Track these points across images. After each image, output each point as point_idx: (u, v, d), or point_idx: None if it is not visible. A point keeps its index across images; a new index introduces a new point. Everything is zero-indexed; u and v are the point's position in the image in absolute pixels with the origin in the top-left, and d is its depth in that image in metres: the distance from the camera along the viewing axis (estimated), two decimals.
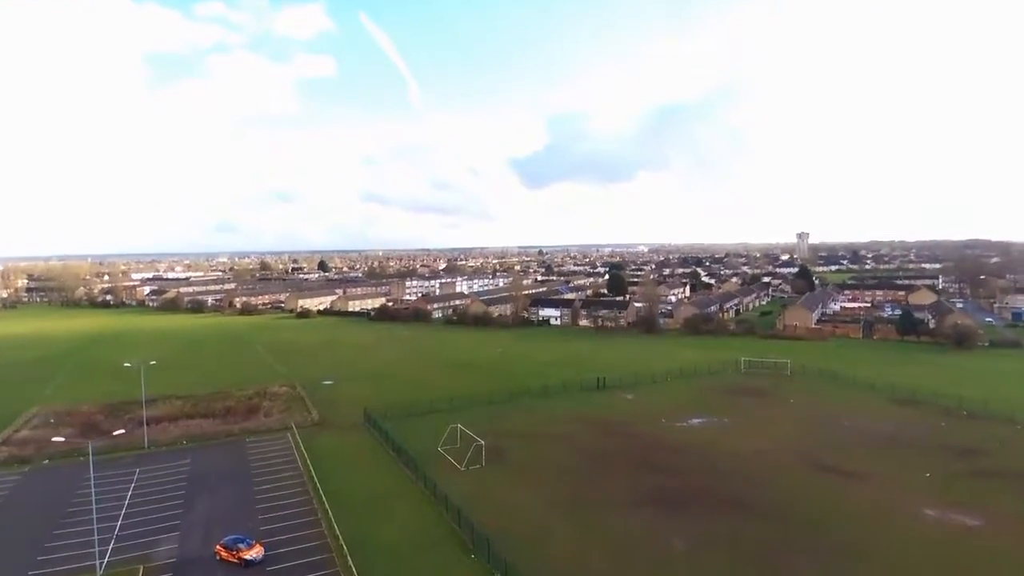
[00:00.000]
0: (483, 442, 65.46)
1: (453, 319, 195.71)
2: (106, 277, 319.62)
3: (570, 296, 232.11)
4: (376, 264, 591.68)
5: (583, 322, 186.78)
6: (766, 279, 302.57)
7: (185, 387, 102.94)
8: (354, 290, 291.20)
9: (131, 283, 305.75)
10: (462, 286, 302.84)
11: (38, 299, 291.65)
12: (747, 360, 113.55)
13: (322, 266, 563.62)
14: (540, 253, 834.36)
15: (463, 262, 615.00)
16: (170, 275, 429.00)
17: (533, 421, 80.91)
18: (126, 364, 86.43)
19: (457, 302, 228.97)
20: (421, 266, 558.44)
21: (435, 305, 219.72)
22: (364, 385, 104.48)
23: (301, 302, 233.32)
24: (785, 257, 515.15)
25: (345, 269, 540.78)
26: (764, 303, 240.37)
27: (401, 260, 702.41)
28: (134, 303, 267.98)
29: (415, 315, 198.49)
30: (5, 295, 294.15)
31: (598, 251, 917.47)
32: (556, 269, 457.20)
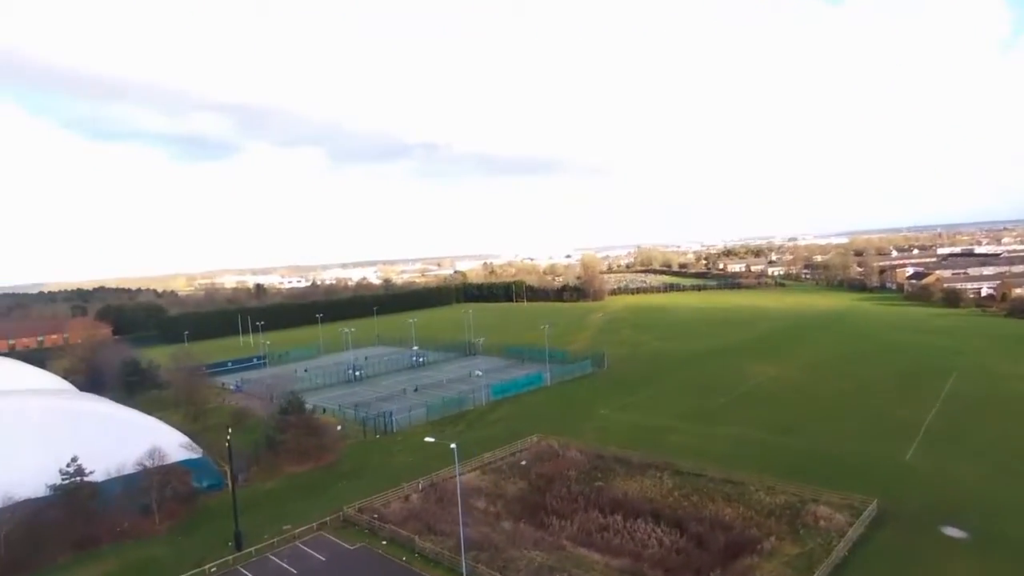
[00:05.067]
0: None
1: None
2: (857, 259, 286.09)
3: None
4: None
5: None
6: None
7: (764, 444, 69.24)
8: None
9: (887, 263, 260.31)
10: None
11: (813, 278, 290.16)
12: None
13: None
14: None
15: None
16: (978, 250, 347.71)
17: None
18: (428, 439, 59.39)
19: None
20: None
21: None
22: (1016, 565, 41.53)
23: None
24: None
25: None
26: None
27: None
28: (892, 286, 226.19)
29: None
30: (780, 272, 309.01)
31: None
32: None
